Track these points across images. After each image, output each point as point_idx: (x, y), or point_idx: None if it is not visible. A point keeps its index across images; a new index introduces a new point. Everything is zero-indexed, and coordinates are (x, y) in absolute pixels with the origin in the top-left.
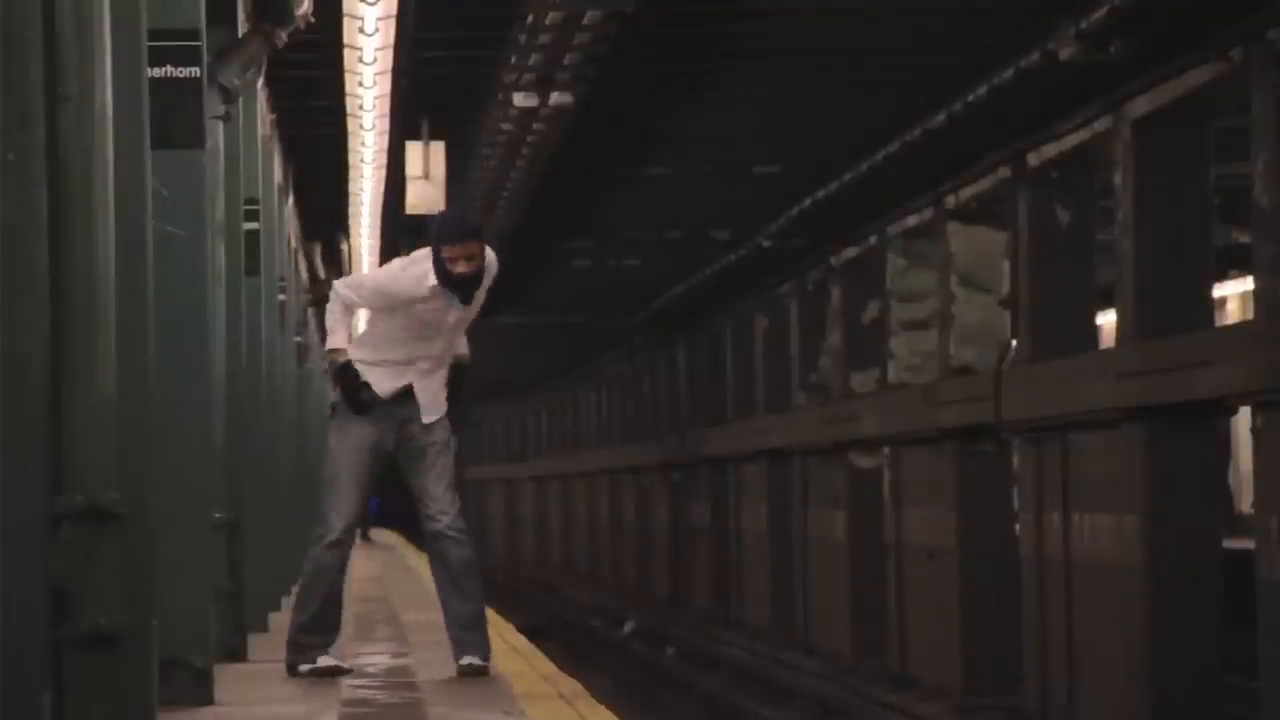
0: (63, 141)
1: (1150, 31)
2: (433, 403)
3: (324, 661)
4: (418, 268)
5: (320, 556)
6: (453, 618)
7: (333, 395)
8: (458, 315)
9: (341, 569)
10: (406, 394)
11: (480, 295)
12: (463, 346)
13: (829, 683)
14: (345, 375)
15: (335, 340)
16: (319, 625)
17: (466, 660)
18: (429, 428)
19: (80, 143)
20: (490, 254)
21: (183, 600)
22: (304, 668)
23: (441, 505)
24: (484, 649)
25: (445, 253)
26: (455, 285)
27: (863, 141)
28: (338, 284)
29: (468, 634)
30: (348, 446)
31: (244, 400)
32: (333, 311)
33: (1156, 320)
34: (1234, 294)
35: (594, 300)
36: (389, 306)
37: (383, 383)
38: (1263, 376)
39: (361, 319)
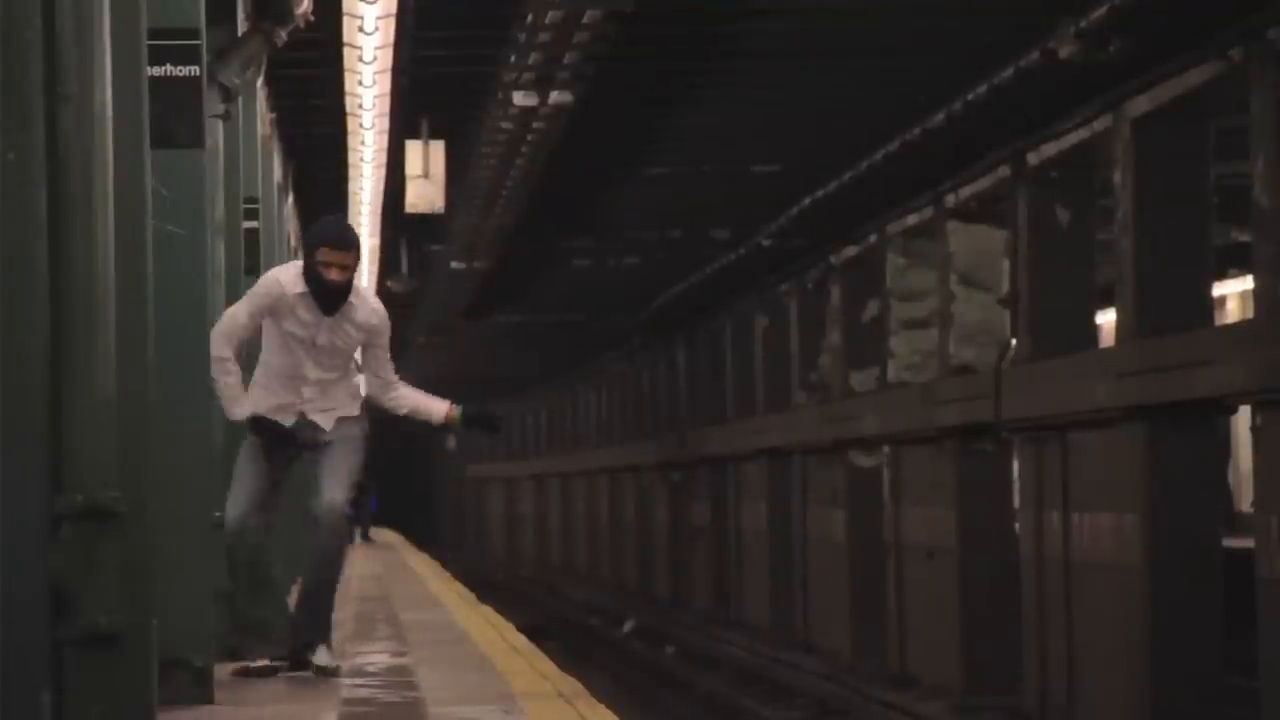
0: (63, 141)
1: (1150, 30)
2: (325, 413)
3: (259, 662)
4: (288, 272)
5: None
6: (315, 620)
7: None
8: (328, 338)
9: (253, 559)
10: (303, 422)
11: (357, 327)
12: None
13: (829, 682)
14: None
15: (231, 410)
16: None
17: (327, 660)
18: (328, 434)
19: (80, 142)
20: (378, 305)
21: (183, 600)
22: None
23: (334, 496)
24: (315, 635)
25: (321, 255)
26: (322, 291)
27: (863, 141)
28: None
29: (327, 634)
30: (244, 453)
31: None
32: (214, 377)
33: (1156, 319)
34: (1233, 293)
35: (594, 300)
36: (264, 318)
37: (278, 414)
38: (1262, 375)
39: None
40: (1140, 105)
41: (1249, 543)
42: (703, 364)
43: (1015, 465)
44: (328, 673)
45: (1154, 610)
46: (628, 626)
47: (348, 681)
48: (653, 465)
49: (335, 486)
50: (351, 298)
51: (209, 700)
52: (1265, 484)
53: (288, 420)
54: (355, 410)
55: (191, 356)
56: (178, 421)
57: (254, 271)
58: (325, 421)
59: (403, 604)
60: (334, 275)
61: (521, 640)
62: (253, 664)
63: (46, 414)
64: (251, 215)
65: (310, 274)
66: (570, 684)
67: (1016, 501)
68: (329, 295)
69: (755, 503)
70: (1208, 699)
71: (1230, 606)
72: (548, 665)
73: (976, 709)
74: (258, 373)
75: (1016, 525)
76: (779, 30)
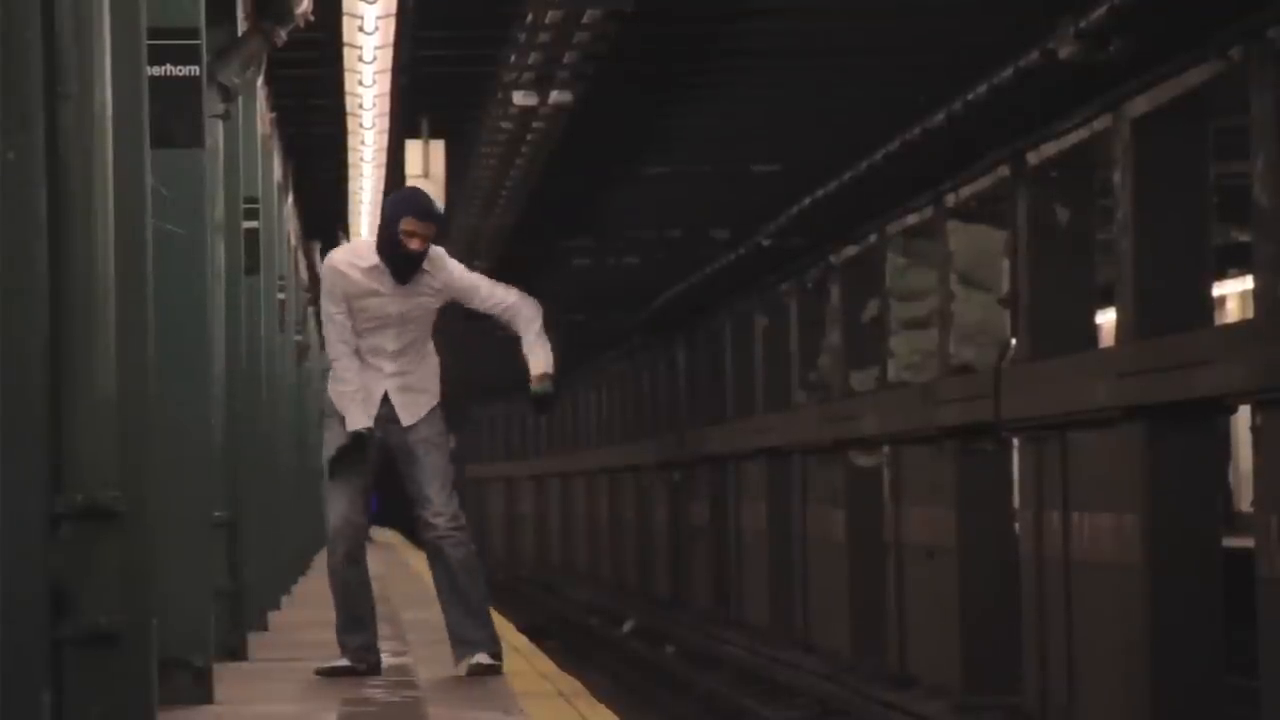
0: (62, 141)
1: (1150, 30)
2: (409, 405)
3: (338, 662)
4: (344, 252)
5: (329, 559)
6: (455, 620)
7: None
8: (400, 307)
9: (353, 566)
10: (384, 404)
11: (434, 291)
12: (538, 352)
13: (829, 682)
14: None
15: (351, 420)
16: (348, 626)
17: (476, 659)
18: (414, 426)
19: (80, 142)
20: (448, 261)
21: (183, 599)
22: (321, 666)
23: (437, 506)
24: (492, 645)
25: (405, 225)
26: (399, 258)
27: (863, 141)
28: (328, 342)
29: (476, 633)
30: (333, 444)
31: (244, 399)
32: (332, 389)
33: (1156, 319)
34: (1233, 293)
35: (594, 300)
36: (345, 300)
37: (358, 413)
38: (1262, 375)
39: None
40: (1140, 105)
41: (1249, 543)
42: (703, 364)
43: (1015, 465)
44: (492, 670)
45: (1154, 610)
46: (628, 626)
47: (347, 681)
48: (653, 465)
49: (441, 492)
50: (425, 264)
51: (209, 700)
52: (1265, 484)
53: (367, 422)
54: (438, 394)
55: (191, 356)
56: (178, 421)
57: (254, 271)
58: (411, 408)
59: (403, 604)
60: (416, 245)
61: (521, 640)
62: (336, 664)
63: (46, 414)
64: (251, 215)
65: (389, 244)
66: (570, 684)
67: (1016, 501)
68: (408, 264)
69: (755, 502)
70: (1208, 699)
71: (1230, 606)
72: (548, 665)
73: (976, 709)
74: (332, 376)
75: (1016, 525)
76: (779, 30)
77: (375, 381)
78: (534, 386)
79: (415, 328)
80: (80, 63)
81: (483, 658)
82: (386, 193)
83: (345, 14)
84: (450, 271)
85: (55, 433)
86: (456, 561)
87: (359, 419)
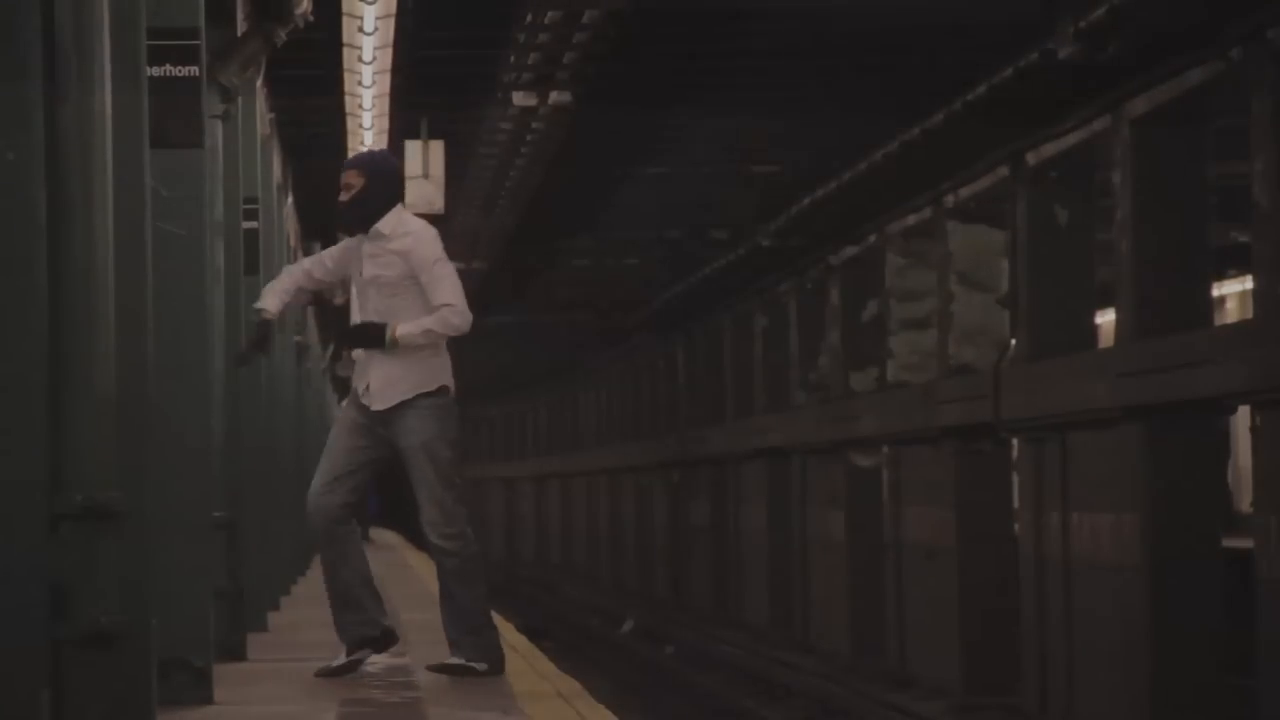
0: (62, 141)
1: (1150, 30)
2: (384, 387)
3: (337, 662)
4: None
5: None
6: (446, 622)
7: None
8: (366, 269)
9: (331, 546)
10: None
11: (396, 254)
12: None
13: (829, 682)
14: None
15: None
16: (339, 607)
17: (452, 660)
18: (400, 432)
19: (80, 142)
20: (413, 224)
21: (182, 600)
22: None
23: (430, 517)
24: (472, 651)
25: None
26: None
27: (863, 141)
28: None
29: (463, 637)
30: (336, 423)
31: (243, 399)
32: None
33: (1155, 319)
34: (1233, 293)
35: (594, 300)
36: (335, 262)
37: (358, 375)
38: (1262, 375)
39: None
40: (1140, 105)
41: (1248, 543)
42: (702, 364)
43: (1015, 465)
44: (455, 670)
45: (1154, 610)
46: (627, 626)
47: (348, 681)
48: (652, 465)
49: (433, 502)
50: (381, 225)
51: (208, 700)
52: (1265, 484)
53: (270, 305)
54: (427, 388)
55: (191, 356)
56: (178, 421)
57: (253, 271)
58: (382, 394)
59: (402, 604)
60: (341, 195)
61: (521, 640)
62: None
63: (46, 414)
64: (251, 215)
65: None
66: (570, 684)
67: (1016, 502)
68: (341, 213)
69: (755, 503)
70: (1208, 699)
71: (1229, 606)
72: (547, 665)
73: (976, 709)
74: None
75: (1016, 525)
76: (779, 30)
77: (364, 365)
78: (385, 335)
79: (393, 301)
80: (80, 63)
81: (457, 660)
82: None
83: (345, 14)
84: (414, 241)
85: (55, 433)
86: (448, 572)
87: (267, 302)
